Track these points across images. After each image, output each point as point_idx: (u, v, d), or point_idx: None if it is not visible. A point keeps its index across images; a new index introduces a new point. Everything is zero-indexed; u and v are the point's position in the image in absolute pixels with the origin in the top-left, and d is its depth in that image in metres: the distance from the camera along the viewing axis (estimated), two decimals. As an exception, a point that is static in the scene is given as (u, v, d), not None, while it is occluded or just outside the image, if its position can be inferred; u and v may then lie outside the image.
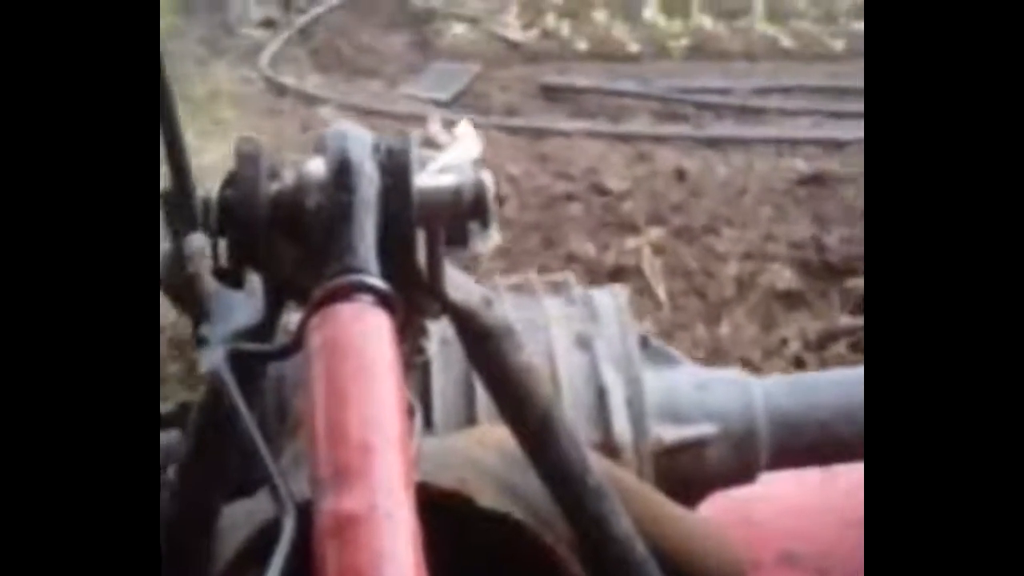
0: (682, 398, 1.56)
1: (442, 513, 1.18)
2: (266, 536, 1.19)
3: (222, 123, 5.72)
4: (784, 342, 4.11)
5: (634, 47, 8.21)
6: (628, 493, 1.36)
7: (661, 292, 4.42)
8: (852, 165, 5.70)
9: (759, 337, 4.17)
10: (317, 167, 1.12)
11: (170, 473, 1.21)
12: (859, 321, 4.06)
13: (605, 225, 5.04)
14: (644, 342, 1.59)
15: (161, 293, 1.64)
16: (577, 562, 1.32)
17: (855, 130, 6.46)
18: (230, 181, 1.13)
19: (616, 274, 4.42)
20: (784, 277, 4.55)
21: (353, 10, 9.22)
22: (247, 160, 1.13)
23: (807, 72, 7.75)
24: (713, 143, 6.46)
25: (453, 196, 1.15)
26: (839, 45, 8.16)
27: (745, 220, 5.08)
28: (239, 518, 1.27)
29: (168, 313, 1.95)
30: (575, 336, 1.56)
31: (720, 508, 1.58)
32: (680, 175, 5.66)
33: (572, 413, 1.44)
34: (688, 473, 1.54)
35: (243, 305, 1.25)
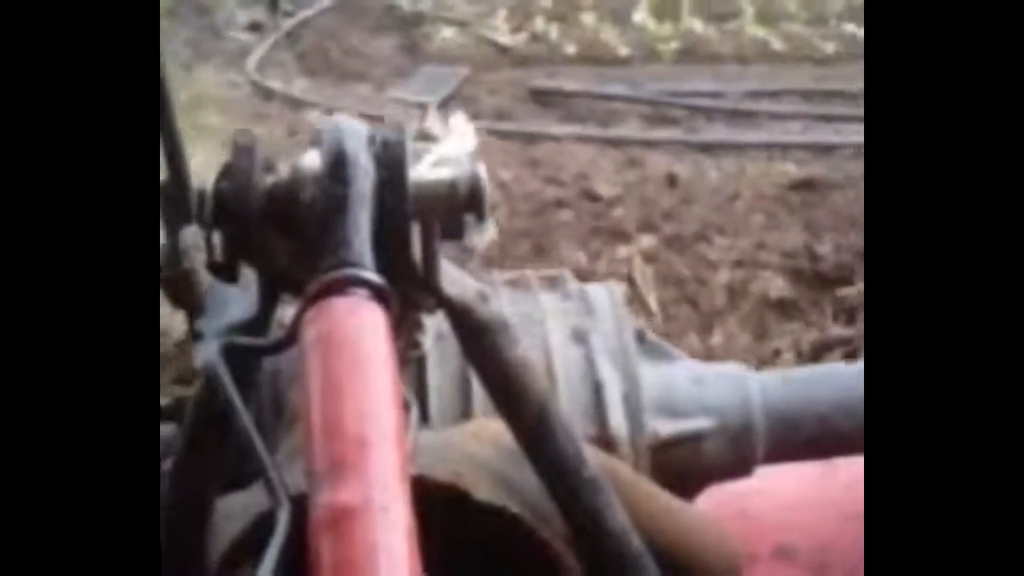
0: (678, 392, 1.56)
1: (438, 506, 1.18)
2: (261, 529, 1.18)
3: (207, 128, 5.69)
4: (777, 353, 4.11)
5: (624, 50, 8.21)
6: (624, 487, 1.36)
7: (652, 301, 4.42)
8: (843, 169, 5.70)
9: (752, 346, 4.17)
10: (312, 160, 1.12)
11: (167, 466, 1.21)
12: (852, 331, 4.06)
13: (596, 232, 5.04)
14: (640, 336, 1.59)
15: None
16: (573, 556, 1.32)
17: (845, 134, 6.48)
18: (225, 173, 1.12)
19: (608, 283, 4.40)
20: (776, 285, 4.55)
21: (341, 13, 9.22)
22: (242, 152, 1.13)
23: (798, 75, 7.76)
24: (704, 147, 6.47)
25: (449, 189, 1.15)
26: (830, 47, 8.17)
27: (737, 227, 5.08)
28: (234, 511, 1.26)
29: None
30: (571, 331, 1.56)
31: (716, 502, 1.58)
32: (671, 180, 5.65)
33: (568, 407, 1.44)
34: (684, 467, 1.54)
35: (238, 299, 1.25)
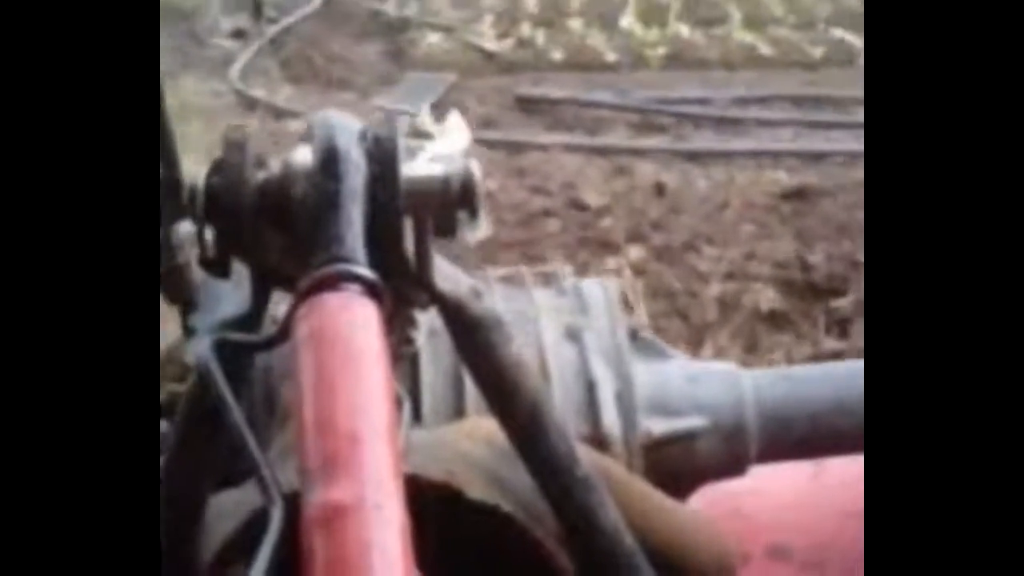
0: (672, 391, 1.56)
1: (431, 505, 1.19)
2: (254, 527, 1.18)
3: (188, 138, 5.65)
4: (769, 366, 4.11)
5: (611, 56, 8.23)
6: (617, 485, 1.35)
7: (642, 314, 4.40)
8: (834, 177, 5.71)
9: (743, 360, 4.17)
10: (304, 155, 1.12)
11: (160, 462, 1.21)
12: (845, 344, 4.05)
13: (583, 243, 5.04)
14: (634, 334, 1.59)
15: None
16: (566, 555, 1.31)
17: (836, 141, 6.50)
18: (216, 169, 1.12)
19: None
20: (768, 297, 4.54)
21: (325, 19, 9.24)
22: (233, 147, 1.12)
23: (786, 80, 7.78)
24: (693, 156, 6.48)
25: (441, 185, 1.14)
26: (818, 52, 8.20)
27: (727, 237, 5.08)
28: (227, 509, 1.26)
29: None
30: (565, 328, 1.55)
31: (710, 501, 1.58)
32: (659, 189, 5.66)
33: (561, 406, 1.44)
34: (678, 466, 1.53)
35: (230, 295, 1.25)
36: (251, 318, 1.16)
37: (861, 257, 4.46)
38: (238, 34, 8.80)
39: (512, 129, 6.96)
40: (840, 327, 4.28)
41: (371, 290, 1.01)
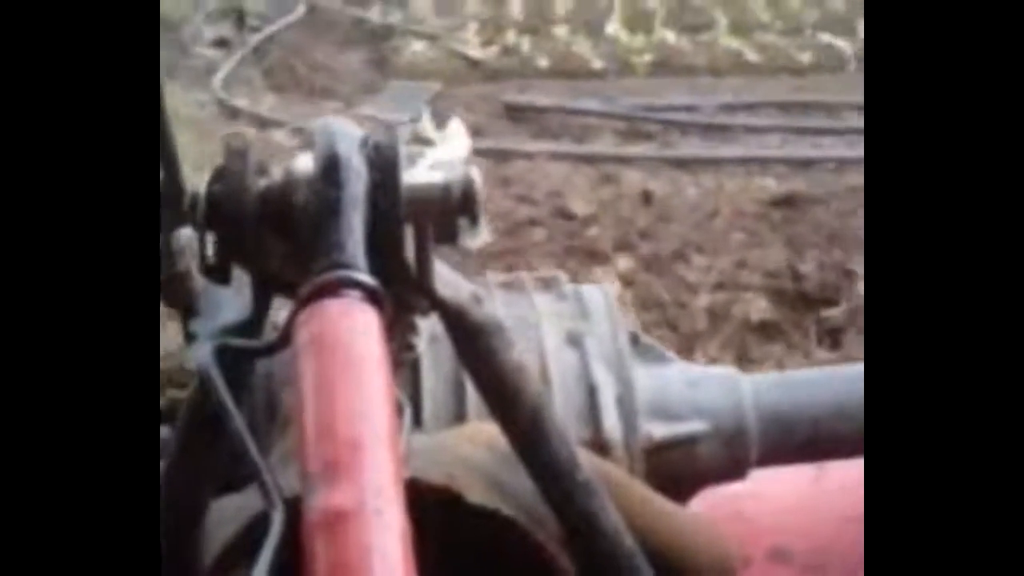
0: (673, 395, 1.56)
1: (431, 509, 1.19)
2: (255, 532, 1.18)
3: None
4: (760, 376, 4.09)
5: (597, 63, 8.22)
6: (618, 489, 1.36)
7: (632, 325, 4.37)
8: (823, 184, 5.69)
9: (734, 371, 4.14)
10: (305, 163, 1.12)
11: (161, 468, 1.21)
12: (836, 354, 4.04)
13: (571, 252, 5.02)
14: (634, 339, 1.59)
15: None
16: (567, 558, 1.31)
17: (824, 147, 6.49)
18: (218, 176, 1.13)
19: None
20: (758, 307, 4.53)
21: (309, 28, 9.20)
22: (235, 155, 1.13)
23: (774, 86, 7.78)
24: (681, 163, 6.46)
25: (442, 192, 1.15)
26: (805, 58, 8.20)
27: (716, 246, 5.06)
28: (228, 514, 1.26)
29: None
30: (566, 333, 1.56)
31: (711, 504, 1.58)
32: (647, 198, 5.63)
33: (562, 411, 1.44)
34: (678, 470, 1.53)
35: (231, 301, 1.25)
36: (252, 324, 1.16)
37: (852, 266, 4.47)
38: (221, 43, 8.78)
39: (498, 137, 6.95)
40: (832, 337, 4.27)
41: (372, 296, 1.01)
